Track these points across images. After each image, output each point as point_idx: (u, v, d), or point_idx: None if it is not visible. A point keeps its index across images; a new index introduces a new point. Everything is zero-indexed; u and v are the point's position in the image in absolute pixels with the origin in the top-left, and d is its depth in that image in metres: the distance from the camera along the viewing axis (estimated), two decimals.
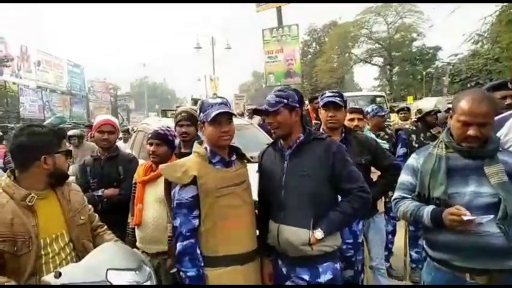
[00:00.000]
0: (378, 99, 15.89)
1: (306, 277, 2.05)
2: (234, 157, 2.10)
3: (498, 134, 2.24)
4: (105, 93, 41.33)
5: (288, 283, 2.12)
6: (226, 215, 1.96)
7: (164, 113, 5.98)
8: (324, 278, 2.03)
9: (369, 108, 4.33)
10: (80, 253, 1.90)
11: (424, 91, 31.01)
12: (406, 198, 2.01)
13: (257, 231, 2.20)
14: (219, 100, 2.05)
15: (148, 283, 1.80)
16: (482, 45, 27.75)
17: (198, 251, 1.94)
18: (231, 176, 2.01)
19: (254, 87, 58.15)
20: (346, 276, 2.50)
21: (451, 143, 1.91)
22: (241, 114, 10.09)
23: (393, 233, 4.09)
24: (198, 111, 2.09)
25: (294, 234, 2.03)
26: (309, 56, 42.23)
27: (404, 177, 2.06)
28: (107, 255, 1.81)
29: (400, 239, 4.13)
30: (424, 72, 33.74)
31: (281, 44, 14.12)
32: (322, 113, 2.83)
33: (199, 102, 2.15)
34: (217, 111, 1.95)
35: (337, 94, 2.84)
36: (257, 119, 8.35)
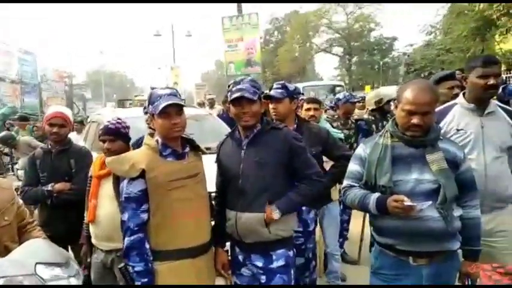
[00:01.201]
0: (338, 88, 16.27)
1: (260, 264, 2.11)
2: (187, 149, 2.07)
3: (442, 123, 2.37)
4: (60, 82, 39.34)
5: (244, 270, 2.18)
6: (177, 209, 1.94)
7: (121, 103, 5.82)
8: (277, 264, 2.09)
9: (340, 95, 4.43)
10: (1, 255, 1.83)
11: (381, 80, 31.98)
12: (354, 186, 2.08)
13: (213, 222, 2.21)
14: (167, 91, 2.00)
15: (74, 279, 1.79)
16: (435, 36, 28.93)
17: (147, 246, 1.91)
18: (183, 168, 1.99)
19: (217, 76, 57.58)
20: (296, 264, 2.57)
21: (396, 132, 1.98)
22: (202, 104, 9.97)
23: (348, 221, 4.23)
24: (146, 103, 2.04)
25: (252, 220, 2.07)
26: (271, 44, 42.31)
27: (353, 167, 2.12)
28: (35, 250, 1.80)
29: (355, 225, 4.29)
30: (381, 62, 34.78)
31: (241, 33, 13.98)
32: (271, 105, 2.88)
33: (148, 93, 2.09)
34: (166, 103, 1.90)
35: (278, 87, 2.90)
36: (217, 109, 8.31)
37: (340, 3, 35.53)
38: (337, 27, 37.80)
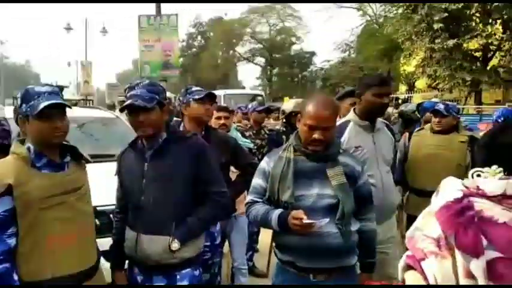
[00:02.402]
0: (258, 98, 16.53)
1: (162, 284, 1.94)
2: (67, 159, 1.78)
3: (341, 140, 2.41)
4: None
5: None
6: (54, 231, 1.65)
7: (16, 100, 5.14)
8: (181, 283, 1.94)
9: (249, 105, 4.63)
10: None
11: (299, 93, 33.37)
12: (258, 202, 2.01)
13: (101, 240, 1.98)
14: (48, 88, 1.70)
15: None
16: (349, 54, 31.08)
17: (16, 277, 1.57)
18: (62, 181, 1.69)
19: (135, 77, 55.29)
20: (202, 280, 2.44)
21: (299, 146, 1.95)
22: (112, 106, 9.36)
23: (257, 233, 4.17)
24: (19, 101, 1.72)
25: (154, 243, 1.88)
26: (194, 49, 41.89)
27: (256, 181, 2.05)
28: None
29: (266, 237, 4.24)
30: (300, 75, 36.37)
31: (159, 34, 13.41)
32: (196, 107, 2.69)
33: (23, 90, 1.77)
34: (47, 103, 1.60)
35: (202, 89, 2.82)
36: None
37: (264, 15, 36.52)
38: (260, 38, 38.72)
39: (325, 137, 1.87)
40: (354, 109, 2.53)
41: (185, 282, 1.94)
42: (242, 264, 3.31)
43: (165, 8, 14.39)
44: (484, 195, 1.21)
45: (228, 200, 2.07)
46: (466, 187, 1.25)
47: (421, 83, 18.38)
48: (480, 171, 1.28)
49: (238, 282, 3.32)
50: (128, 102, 1.87)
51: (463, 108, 13.32)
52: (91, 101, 6.03)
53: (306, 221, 1.75)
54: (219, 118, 3.31)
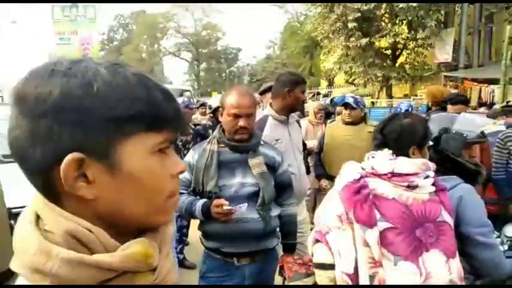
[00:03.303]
0: (186, 93, 16.30)
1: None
2: None
3: (263, 134, 2.56)
4: None
5: None
6: None
7: None
8: None
9: (179, 100, 4.47)
10: None
11: (227, 88, 33.56)
12: (183, 194, 2.07)
13: None
14: None
15: None
16: (274, 51, 31.93)
17: None
18: None
19: None
20: None
21: (222, 138, 2.05)
22: None
23: (187, 227, 4.21)
24: None
25: None
26: (116, 42, 39.96)
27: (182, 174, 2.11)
28: None
29: (196, 230, 4.28)
30: (227, 71, 36.56)
31: (75, 26, 12.62)
32: None
33: None
34: None
35: None
36: None
37: (189, 9, 35.98)
38: (185, 32, 38.14)
39: (249, 124, 1.99)
40: (271, 104, 2.70)
41: None
42: (172, 256, 3.34)
43: None
44: (377, 175, 1.42)
45: None
46: (363, 169, 1.46)
47: (339, 78, 19.51)
48: (374, 153, 1.50)
49: None
50: None
51: (376, 102, 14.50)
52: (0, 98, 5.55)
53: (226, 207, 1.86)
54: None
